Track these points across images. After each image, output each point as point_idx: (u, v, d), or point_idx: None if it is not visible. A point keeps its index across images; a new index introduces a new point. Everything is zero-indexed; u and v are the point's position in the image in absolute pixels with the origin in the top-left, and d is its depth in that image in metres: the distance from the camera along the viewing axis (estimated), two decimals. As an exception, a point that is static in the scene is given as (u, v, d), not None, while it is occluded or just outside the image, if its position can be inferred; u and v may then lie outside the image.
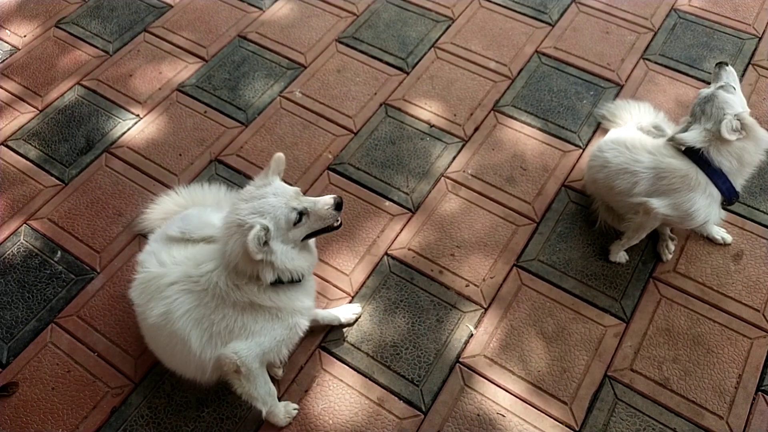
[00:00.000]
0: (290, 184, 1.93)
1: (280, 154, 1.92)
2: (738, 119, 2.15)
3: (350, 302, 2.49)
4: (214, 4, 3.59)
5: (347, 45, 3.39)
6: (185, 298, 1.89)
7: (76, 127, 3.06)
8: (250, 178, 2.83)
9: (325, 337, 2.40)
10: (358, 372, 2.32)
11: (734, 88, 2.26)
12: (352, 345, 2.38)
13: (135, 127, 3.04)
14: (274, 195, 1.82)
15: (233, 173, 2.87)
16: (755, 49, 3.32)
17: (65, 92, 3.19)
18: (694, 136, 2.22)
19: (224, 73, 3.26)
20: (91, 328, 2.44)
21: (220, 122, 3.07)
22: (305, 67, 3.29)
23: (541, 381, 2.31)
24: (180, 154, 2.93)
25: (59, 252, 2.64)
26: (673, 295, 2.49)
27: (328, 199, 1.89)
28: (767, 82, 3.18)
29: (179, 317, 1.88)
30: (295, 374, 2.31)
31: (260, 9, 3.57)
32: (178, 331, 1.89)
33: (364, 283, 2.54)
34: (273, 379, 2.18)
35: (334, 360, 2.35)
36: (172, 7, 3.58)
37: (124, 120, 3.08)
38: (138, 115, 3.09)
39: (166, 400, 2.27)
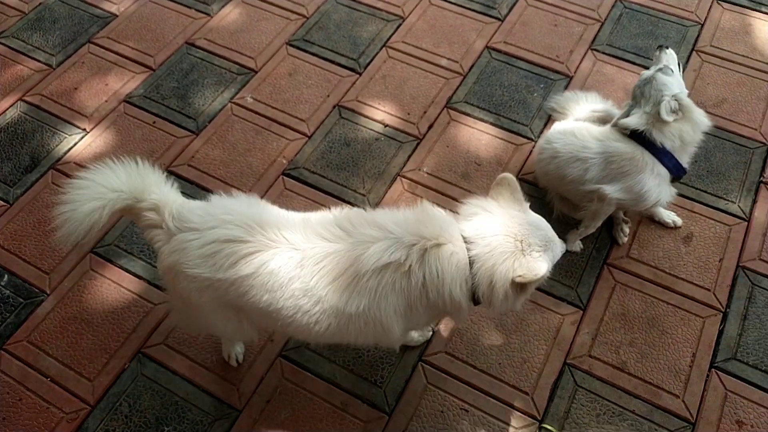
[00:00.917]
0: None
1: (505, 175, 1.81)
2: (675, 100, 2.20)
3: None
4: (160, 12, 3.53)
5: (298, 48, 3.37)
6: None
7: (20, 145, 2.97)
8: (203, 188, 2.80)
9: (285, 346, 2.38)
10: (321, 378, 2.31)
11: (672, 71, 2.32)
12: (314, 351, 2.37)
13: (82, 142, 2.97)
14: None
15: (185, 184, 2.83)
16: (698, 36, 3.40)
17: (6, 109, 3.10)
18: (635, 120, 2.27)
19: (173, 82, 3.21)
20: (42, 353, 2.37)
21: (170, 132, 3.02)
22: (256, 72, 3.25)
23: (502, 373, 2.33)
24: (130, 167, 2.88)
25: (6, 276, 2.56)
26: (627, 280, 2.54)
27: None
28: (711, 68, 3.26)
29: None
30: (256, 385, 2.29)
31: (208, 15, 3.52)
32: None
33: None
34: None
35: (296, 368, 2.33)
36: (116, 16, 3.51)
37: (70, 135, 3.00)
38: (85, 130, 3.02)
39: (123, 422, 2.23)
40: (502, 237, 1.73)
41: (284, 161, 2.91)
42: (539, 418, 2.24)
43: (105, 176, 1.79)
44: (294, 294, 1.70)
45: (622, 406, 2.26)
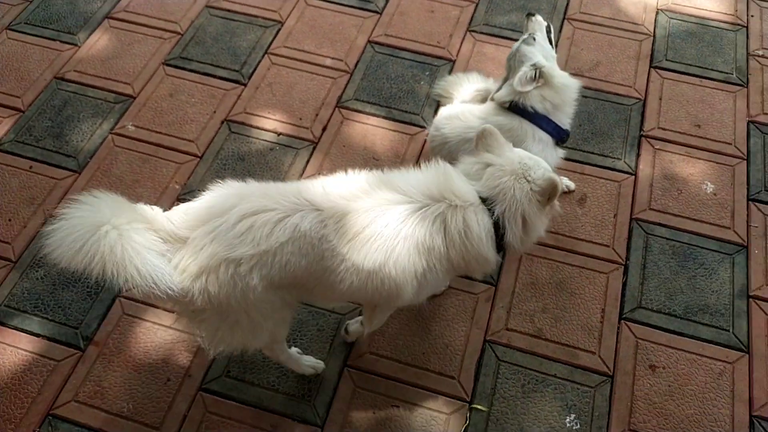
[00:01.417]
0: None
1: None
2: (535, 68, 2.27)
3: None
4: (22, 49, 3.30)
5: (176, 66, 3.24)
6: None
7: None
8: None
9: (204, 378, 2.29)
10: (246, 404, 2.25)
11: (535, 39, 2.39)
12: (235, 378, 2.30)
13: (-49, 200, 2.74)
14: None
15: (75, 226, 2.66)
16: (568, 4, 3.54)
17: None
18: (504, 92, 2.33)
19: (45, 121, 3.01)
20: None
21: (50, 175, 2.83)
22: (134, 98, 3.11)
23: (427, 362, 2.35)
24: (9, 220, 2.68)
25: None
26: (531, 249, 2.62)
27: None
28: (583, 33, 3.41)
29: None
30: (179, 425, 2.20)
31: (75, 45, 3.33)
32: None
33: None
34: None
35: (219, 399, 2.26)
36: (-29, 59, 3.25)
37: (-64, 194, 2.76)
38: (-48, 186, 2.79)
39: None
40: (511, 182, 1.82)
41: (177, 186, 2.80)
42: (468, 400, 2.27)
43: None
44: (324, 255, 1.70)
45: (544, 372, 2.34)
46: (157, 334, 2.39)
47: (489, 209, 1.83)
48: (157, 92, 3.13)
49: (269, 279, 1.69)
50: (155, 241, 1.61)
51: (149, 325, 2.42)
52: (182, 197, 2.76)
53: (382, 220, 1.73)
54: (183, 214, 1.71)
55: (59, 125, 3.00)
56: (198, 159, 2.90)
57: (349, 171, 1.87)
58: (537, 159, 1.93)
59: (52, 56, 3.28)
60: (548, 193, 1.83)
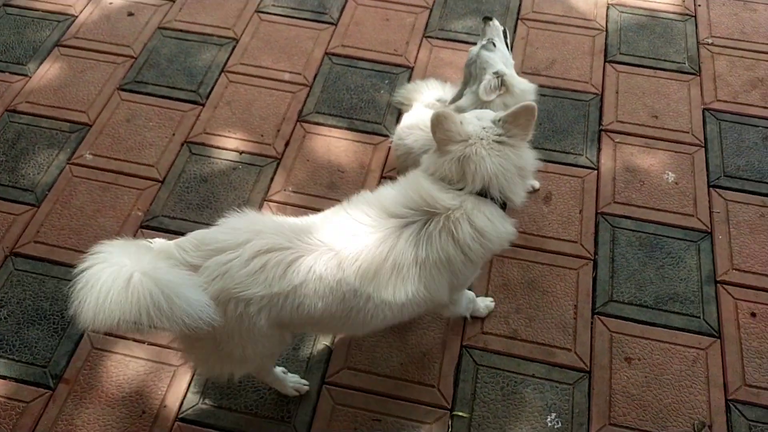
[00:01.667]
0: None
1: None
2: (497, 77, 2.29)
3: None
4: (-31, 82, 3.21)
5: (131, 91, 3.19)
6: None
7: None
8: (57, 263, 2.58)
9: (180, 408, 2.25)
10: (225, 431, 2.20)
11: (495, 45, 2.41)
12: (212, 405, 2.26)
13: None
14: None
15: (36, 263, 2.59)
16: (520, 4, 3.58)
17: None
18: (465, 101, 2.34)
19: (-1, 156, 2.93)
20: None
21: (7, 211, 2.75)
22: (90, 126, 3.04)
23: (405, 373, 2.34)
24: (-34, 260, 2.60)
25: None
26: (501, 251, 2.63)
27: None
28: (537, 33, 3.45)
29: None
30: (156, 457, 2.15)
31: (25, 75, 3.24)
32: None
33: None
34: None
35: (197, 428, 2.21)
36: None
37: None
38: None
39: None
40: (489, 155, 1.78)
41: (140, 213, 2.75)
42: (449, 407, 2.27)
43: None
44: (345, 297, 1.69)
45: (522, 372, 2.34)
46: (129, 366, 2.34)
47: (491, 198, 1.81)
48: (113, 118, 3.07)
49: (278, 320, 1.68)
50: (186, 276, 1.57)
51: (120, 357, 2.36)
52: (145, 224, 2.71)
53: (396, 251, 1.72)
54: (195, 241, 1.67)
55: (14, 159, 2.92)
56: (160, 183, 2.84)
57: (344, 201, 1.85)
58: (485, 112, 1.92)
59: (2, 88, 3.19)
60: (515, 126, 1.79)
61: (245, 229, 1.67)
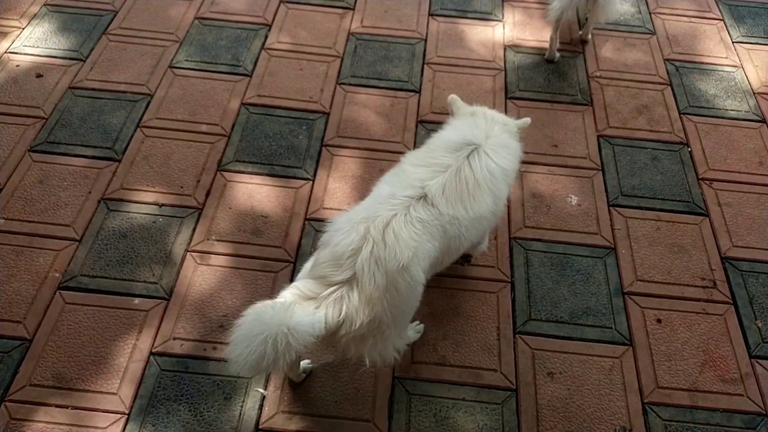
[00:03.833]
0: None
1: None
2: None
3: (126, 420, 2.29)
4: None
5: (43, 152, 3.13)
6: None
7: None
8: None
9: (108, 470, 2.17)
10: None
11: None
12: (142, 464, 2.19)
13: None
14: None
15: (-57, 336, 2.46)
16: (425, 50, 3.81)
17: None
18: None
19: None
20: None
21: None
22: (1, 189, 2.95)
23: (340, 410, 2.36)
24: None
25: None
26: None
27: None
28: (442, 75, 3.67)
29: None
30: None
31: (-75, 142, 3.12)
32: None
33: (137, 395, 2.36)
34: None
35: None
36: None
37: None
38: None
39: None
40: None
41: (57, 275, 2.67)
42: (385, 439, 2.30)
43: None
44: (445, 228, 2.09)
45: (453, 397, 2.42)
46: (51, 435, 2.24)
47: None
48: (25, 180, 3.00)
49: (424, 269, 2.04)
50: (307, 308, 1.89)
51: (42, 425, 2.26)
52: (64, 285, 2.63)
53: (462, 174, 2.14)
54: (330, 257, 1.95)
55: None
56: (77, 243, 2.78)
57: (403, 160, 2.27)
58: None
59: None
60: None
61: (355, 221, 1.98)
